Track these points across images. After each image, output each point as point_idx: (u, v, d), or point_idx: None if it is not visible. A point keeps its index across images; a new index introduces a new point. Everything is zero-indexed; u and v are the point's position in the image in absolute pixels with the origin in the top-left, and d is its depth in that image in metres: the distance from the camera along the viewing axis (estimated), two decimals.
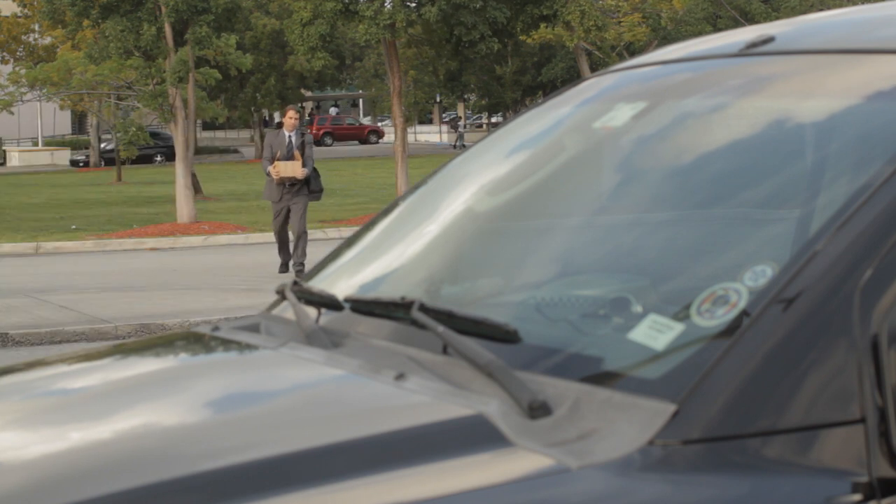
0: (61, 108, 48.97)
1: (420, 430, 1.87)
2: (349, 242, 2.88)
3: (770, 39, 2.47)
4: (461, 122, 70.59)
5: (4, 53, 53.57)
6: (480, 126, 75.10)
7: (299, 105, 79.91)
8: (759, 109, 2.40)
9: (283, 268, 15.29)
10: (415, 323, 2.18)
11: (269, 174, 15.23)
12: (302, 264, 14.92)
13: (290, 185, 15.13)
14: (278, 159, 15.14)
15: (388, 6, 25.55)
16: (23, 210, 28.84)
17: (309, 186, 15.28)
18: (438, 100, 68.23)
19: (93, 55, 26.39)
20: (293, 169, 15.12)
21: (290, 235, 15.44)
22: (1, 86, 30.93)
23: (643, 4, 34.93)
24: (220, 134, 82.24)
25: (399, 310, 2.25)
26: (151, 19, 24.57)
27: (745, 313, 1.87)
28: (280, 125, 16.00)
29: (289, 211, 15.19)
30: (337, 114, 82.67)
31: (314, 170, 15.39)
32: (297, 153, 15.20)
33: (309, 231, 20.35)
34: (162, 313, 12.48)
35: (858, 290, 1.83)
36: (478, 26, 26.01)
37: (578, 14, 27.22)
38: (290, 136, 15.28)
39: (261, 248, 19.15)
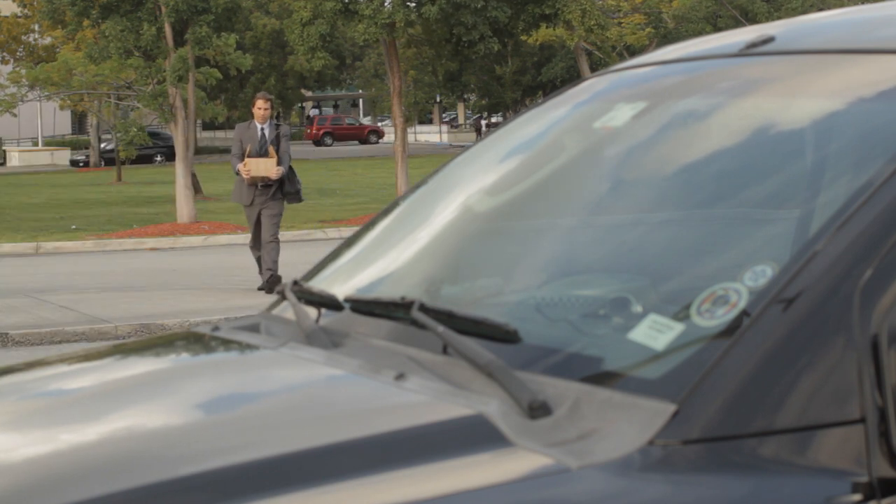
0: (61, 108, 49.01)
1: (420, 430, 1.87)
2: (349, 242, 2.88)
3: (770, 39, 2.47)
4: (484, 122, 69.72)
5: (4, 54, 53.60)
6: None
7: (299, 104, 79.73)
8: (758, 109, 2.40)
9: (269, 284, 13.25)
10: (415, 323, 2.18)
11: (238, 173, 13.17)
12: (271, 271, 13.14)
13: (264, 187, 13.09)
14: (249, 155, 13.06)
15: (388, 6, 25.55)
16: (23, 210, 28.85)
17: (283, 189, 13.18)
18: (438, 100, 68.21)
19: (93, 55, 26.39)
20: (266, 168, 13.03)
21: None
22: (1, 86, 30.95)
23: (643, 5, 34.93)
24: (220, 134, 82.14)
25: (399, 310, 2.25)
26: (151, 19, 24.57)
27: (745, 313, 1.87)
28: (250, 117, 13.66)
29: (260, 217, 13.21)
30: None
31: (290, 168, 13.29)
32: (271, 149, 13.12)
33: (308, 231, 20.23)
34: (162, 313, 12.48)
35: (858, 291, 1.83)
36: (478, 26, 26.00)
37: (579, 13, 27.22)
38: (262, 129, 13.16)
39: None
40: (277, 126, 13.36)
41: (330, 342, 2.30)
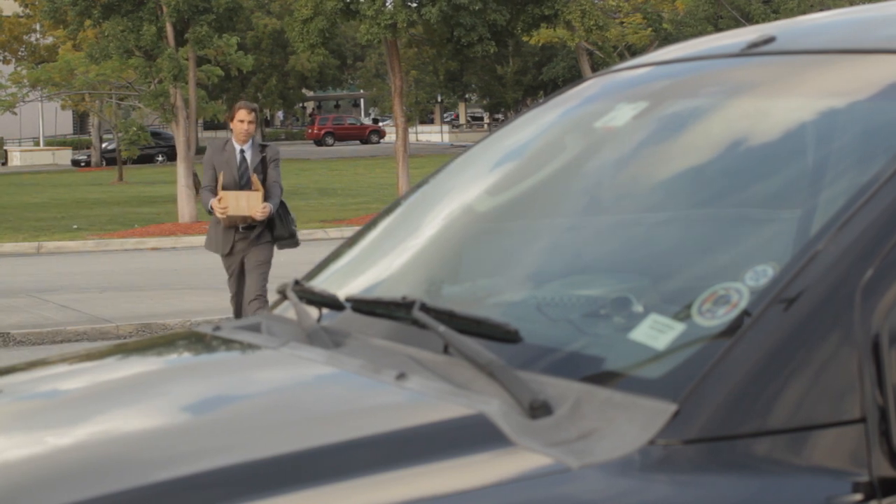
0: (63, 108, 49.09)
1: (421, 430, 1.87)
2: (350, 242, 2.88)
3: (771, 39, 2.47)
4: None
5: (6, 53, 53.63)
6: (481, 126, 75.12)
7: (300, 104, 79.54)
8: (759, 109, 2.40)
9: None
10: (416, 323, 2.18)
11: (211, 212, 9.41)
12: None
13: (246, 229, 9.41)
14: (224, 187, 9.30)
15: (389, 6, 25.57)
16: (24, 210, 28.86)
17: (273, 231, 9.48)
18: (440, 100, 68.19)
19: (93, 55, 26.42)
20: (249, 205, 9.26)
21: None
22: (2, 86, 30.98)
23: (644, 5, 34.94)
24: (221, 133, 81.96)
25: (400, 309, 2.25)
26: (152, 19, 24.59)
27: (746, 313, 1.87)
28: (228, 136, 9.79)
29: (243, 266, 9.54)
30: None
31: (283, 204, 9.52)
32: (255, 179, 9.33)
33: (310, 231, 20.10)
34: (163, 313, 12.49)
35: (859, 290, 1.83)
36: (477, 28, 26.02)
37: (579, 14, 27.23)
38: (242, 151, 9.43)
39: None
40: (263, 148, 9.58)
41: (331, 342, 2.30)
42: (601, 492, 1.74)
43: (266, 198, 9.30)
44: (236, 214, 9.26)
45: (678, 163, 2.46)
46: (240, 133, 9.45)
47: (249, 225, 9.39)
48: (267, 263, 9.50)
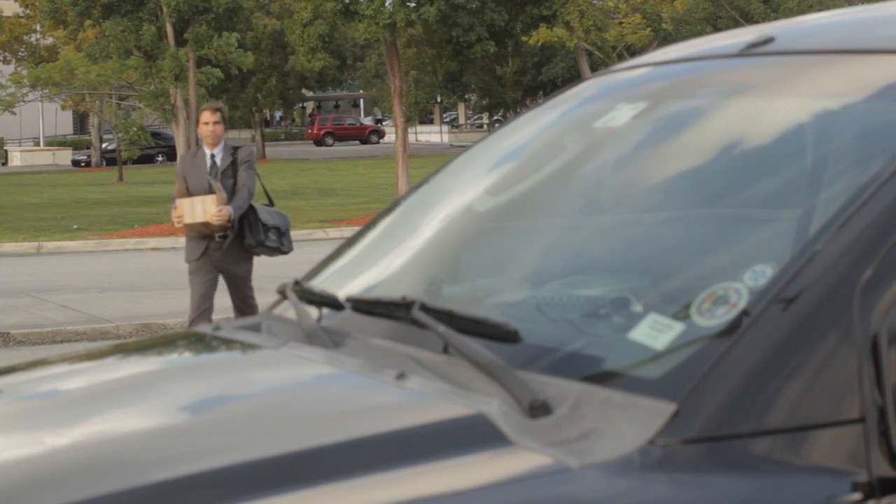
0: (63, 108, 49.09)
1: (421, 430, 1.88)
2: (350, 242, 2.89)
3: (770, 40, 2.47)
4: None
5: (6, 54, 53.65)
6: (480, 126, 75.12)
7: (300, 105, 79.48)
8: (759, 109, 2.40)
9: None
10: (416, 322, 2.18)
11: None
12: None
13: (221, 237, 8.77)
14: (189, 194, 8.76)
15: (388, 6, 25.59)
16: (24, 210, 28.86)
17: (243, 241, 8.79)
18: (439, 100, 68.19)
19: (93, 55, 26.43)
20: (204, 210, 8.61)
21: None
22: (2, 86, 31.01)
23: (644, 5, 34.98)
24: None
25: (400, 309, 2.25)
26: (152, 19, 24.60)
27: (745, 313, 1.88)
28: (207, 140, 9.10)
29: (217, 277, 8.93)
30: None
31: (252, 209, 8.84)
32: (215, 183, 8.68)
33: (309, 231, 20.04)
34: (163, 313, 12.49)
35: (858, 290, 1.83)
36: (475, 28, 26.03)
37: (578, 14, 27.25)
38: (212, 157, 8.87)
39: None
40: (235, 150, 8.96)
41: (331, 342, 2.30)
42: (601, 492, 1.74)
43: (230, 200, 8.71)
44: (192, 222, 8.65)
45: (677, 163, 2.46)
46: (207, 136, 8.88)
47: (224, 234, 8.75)
48: (248, 275, 8.95)
